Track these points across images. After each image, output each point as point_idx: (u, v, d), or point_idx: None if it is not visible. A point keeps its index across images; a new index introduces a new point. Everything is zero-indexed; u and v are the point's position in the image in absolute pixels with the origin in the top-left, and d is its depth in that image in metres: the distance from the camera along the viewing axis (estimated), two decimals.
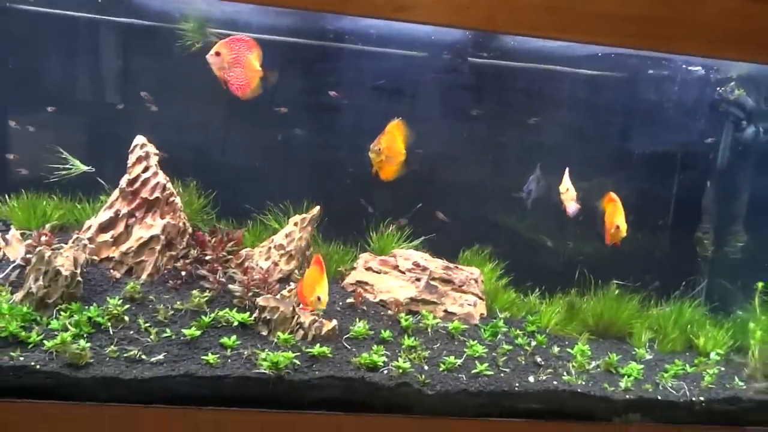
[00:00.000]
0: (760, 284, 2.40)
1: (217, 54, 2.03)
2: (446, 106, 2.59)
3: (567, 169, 2.34)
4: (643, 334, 2.49)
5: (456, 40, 2.48)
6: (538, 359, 2.24)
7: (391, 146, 2.14)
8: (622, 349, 2.44)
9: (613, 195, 2.25)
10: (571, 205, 2.31)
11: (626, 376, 2.21)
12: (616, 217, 2.21)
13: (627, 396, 2.14)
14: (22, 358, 1.84)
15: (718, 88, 2.56)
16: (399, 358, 2.07)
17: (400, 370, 2.03)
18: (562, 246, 2.80)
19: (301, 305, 2.12)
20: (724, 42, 1.91)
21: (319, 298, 1.95)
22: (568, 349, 2.33)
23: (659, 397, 2.16)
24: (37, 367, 1.84)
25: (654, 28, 1.95)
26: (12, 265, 2.09)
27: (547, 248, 2.80)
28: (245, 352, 2.01)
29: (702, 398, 2.18)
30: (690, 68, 2.50)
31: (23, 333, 1.90)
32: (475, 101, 2.58)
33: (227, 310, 2.14)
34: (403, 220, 2.49)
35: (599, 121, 2.67)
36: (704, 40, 1.92)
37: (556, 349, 2.31)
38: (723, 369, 2.37)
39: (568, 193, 2.30)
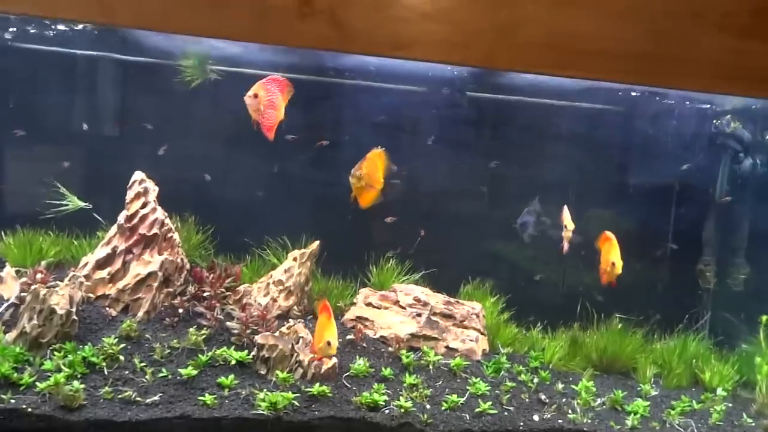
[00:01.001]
0: (764, 318, 2.38)
1: (255, 96, 2.04)
2: (445, 140, 2.59)
3: (566, 207, 2.33)
4: (648, 369, 2.45)
5: (453, 76, 2.51)
6: (542, 396, 2.20)
7: (371, 173, 2.12)
8: (626, 385, 2.40)
9: (608, 234, 2.24)
10: (566, 245, 2.30)
11: (632, 414, 2.17)
12: (611, 254, 2.20)
13: None
14: (13, 401, 1.79)
15: (714, 121, 2.59)
16: (400, 397, 2.03)
17: (402, 410, 1.98)
18: (563, 280, 2.78)
19: (312, 356, 2.07)
20: (719, 78, 1.93)
21: (329, 343, 1.91)
22: (573, 386, 2.29)
23: None
24: (29, 409, 1.78)
25: (651, 64, 1.97)
26: (6, 304, 2.05)
27: (549, 282, 2.78)
28: (243, 392, 1.96)
29: None
30: (686, 102, 2.53)
31: (15, 374, 1.85)
32: (475, 135, 2.59)
33: (225, 348, 2.10)
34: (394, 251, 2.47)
35: (598, 155, 2.67)
36: (700, 75, 1.94)
37: (560, 386, 2.27)
38: (730, 405, 2.33)
39: (566, 231, 2.30)
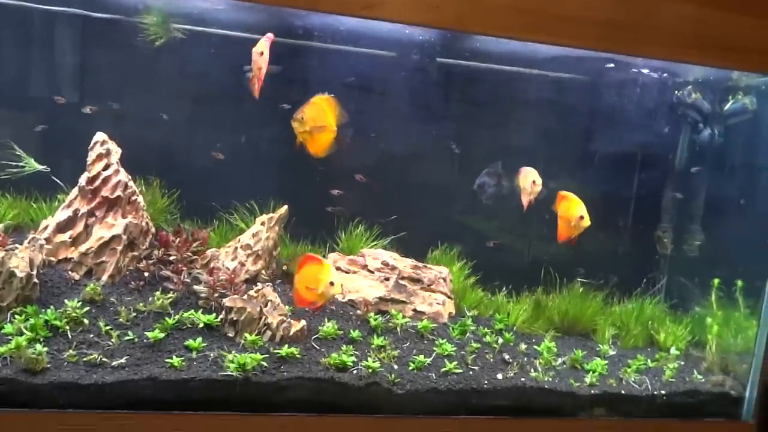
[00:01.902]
0: (716, 281, 2.49)
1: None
2: (414, 106, 2.59)
3: (524, 168, 2.37)
4: (607, 330, 2.55)
5: (424, 40, 2.49)
6: (506, 357, 2.27)
7: (317, 117, 2.06)
8: (586, 346, 2.49)
9: (564, 192, 2.29)
10: (527, 201, 2.35)
11: (591, 372, 2.26)
12: (577, 209, 2.25)
13: (592, 391, 2.19)
14: None
15: (675, 92, 2.65)
16: (368, 358, 2.06)
17: (370, 370, 2.02)
18: (528, 245, 2.84)
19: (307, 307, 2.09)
20: (680, 46, 1.98)
21: (332, 283, 1.92)
22: (535, 347, 2.37)
23: (623, 392, 2.21)
24: None
25: (616, 31, 2.00)
26: None
27: (514, 247, 2.84)
28: (211, 354, 1.97)
29: (663, 392, 2.25)
30: (649, 72, 2.58)
31: None
32: (443, 101, 2.60)
33: (192, 311, 2.09)
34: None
35: (563, 123, 2.72)
36: (662, 44, 1.99)
37: (523, 347, 2.34)
38: (683, 363, 2.45)
39: (532, 190, 2.34)
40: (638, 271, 2.80)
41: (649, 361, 2.41)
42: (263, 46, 2.03)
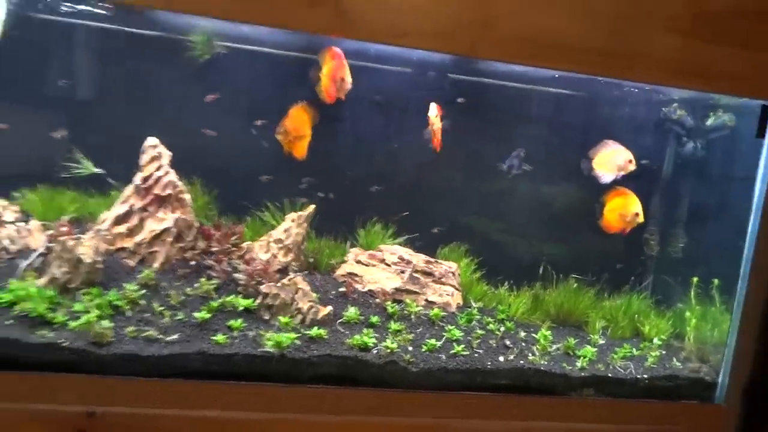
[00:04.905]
0: (695, 279, 2.78)
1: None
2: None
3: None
4: (597, 322, 2.83)
5: (436, 61, 2.80)
6: (507, 342, 2.55)
7: (297, 126, 2.47)
8: (579, 336, 2.77)
9: (620, 188, 2.58)
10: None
11: (582, 357, 2.54)
12: (633, 206, 2.53)
13: (582, 374, 2.47)
14: (50, 336, 2.05)
15: (662, 109, 2.94)
16: (387, 340, 2.35)
17: (388, 350, 2.30)
18: (529, 245, 3.14)
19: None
20: (667, 72, 2.27)
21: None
22: (533, 335, 2.65)
23: (610, 375, 2.50)
24: (65, 344, 2.04)
25: (609, 59, 2.29)
26: (36, 253, 2.28)
27: (516, 247, 3.13)
28: (251, 333, 2.25)
29: (646, 376, 2.53)
30: (636, 91, 2.87)
31: (50, 314, 2.11)
32: (455, 115, 2.89)
33: (233, 296, 2.38)
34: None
35: (560, 136, 3.01)
36: (651, 69, 2.28)
37: (522, 334, 2.63)
38: (664, 352, 2.73)
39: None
40: (627, 270, 3.09)
41: (634, 349, 2.69)
42: (435, 110, 2.54)
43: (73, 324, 2.09)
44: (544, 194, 2.94)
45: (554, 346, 2.59)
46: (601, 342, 2.73)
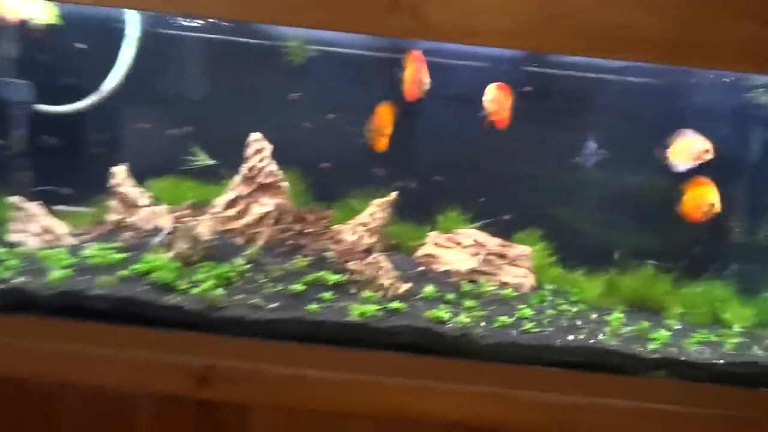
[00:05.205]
0: None
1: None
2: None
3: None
4: (675, 308, 2.85)
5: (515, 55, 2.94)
6: (578, 322, 2.67)
7: (382, 123, 2.70)
8: (654, 320, 2.80)
9: (702, 178, 2.63)
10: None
11: (654, 340, 2.60)
12: (709, 196, 2.60)
13: (654, 355, 2.53)
14: (177, 300, 2.47)
15: (747, 94, 2.88)
16: (461, 315, 2.56)
17: (462, 324, 2.52)
18: (605, 232, 3.20)
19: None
20: (737, 59, 2.28)
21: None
22: (605, 317, 2.74)
23: (683, 358, 2.53)
24: (188, 307, 2.46)
25: (683, 48, 2.33)
26: (164, 232, 2.73)
27: (592, 234, 3.20)
28: (338, 305, 2.56)
29: (722, 361, 2.53)
30: (722, 78, 2.83)
31: (176, 282, 2.53)
32: (527, 104, 3.02)
33: (323, 272, 2.70)
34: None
35: (637, 125, 3.04)
36: (725, 58, 2.29)
37: (594, 316, 2.73)
38: (745, 340, 2.70)
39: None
40: (710, 257, 3.06)
41: (712, 335, 2.69)
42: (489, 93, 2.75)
43: (193, 291, 2.50)
44: (621, 183, 2.99)
45: (626, 329, 2.66)
46: (678, 327, 2.76)
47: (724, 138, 2.92)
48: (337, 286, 2.67)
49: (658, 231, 3.02)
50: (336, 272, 2.71)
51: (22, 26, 2.80)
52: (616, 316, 2.72)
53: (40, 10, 2.76)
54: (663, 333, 2.65)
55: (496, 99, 2.64)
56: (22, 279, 2.50)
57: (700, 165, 2.66)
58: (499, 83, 2.66)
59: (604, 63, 2.88)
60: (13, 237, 2.77)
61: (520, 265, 2.89)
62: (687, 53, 2.32)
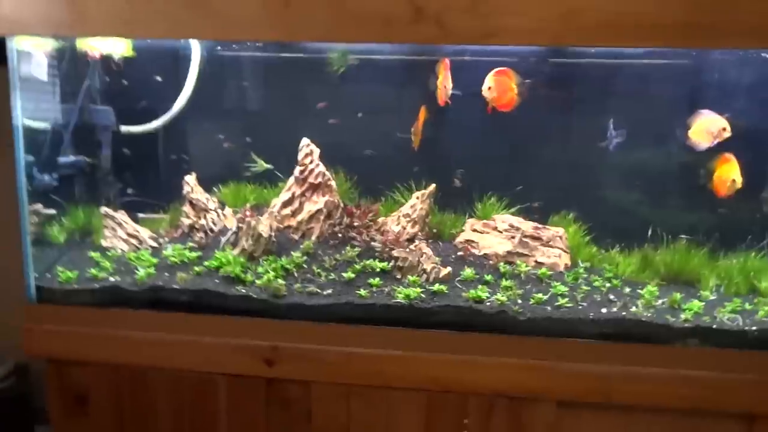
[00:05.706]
0: None
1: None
2: (532, 98, 3.17)
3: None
4: (709, 279, 2.94)
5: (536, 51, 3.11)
6: (612, 297, 2.82)
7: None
8: (688, 292, 2.91)
9: (727, 155, 2.75)
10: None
11: (687, 310, 2.72)
12: (731, 172, 2.72)
13: (686, 325, 2.66)
14: (243, 290, 2.82)
15: None
16: (498, 294, 2.78)
17: (499, 302, 2.73)
18: (637, 210, 3.31)
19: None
20: (755, 36, 2.37)
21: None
22: (639, 290, 2.88)
23: (715, 326, 2.64)
24: (254, 296, 2.80)
25: (697, 30, 2.44)
26: (231, 231, 3.09)
27: (626, 211, 3.32)
28: (386, 289, 2.83)
29: (755, 328, 2.63)
30: (750, 53, 2.87)
31: (243, 275, 2.88)
32: (552, 92, 3.18)
33: (371, 260, 2.98)
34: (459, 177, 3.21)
35: (660, 106, 3.13)
36: (740, 35, 2.39)
37: (627, 290, 2.87)
38: None
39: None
40: (745, 229, 3.11)
41: (746, 304, 2.78)
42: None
43: (258, 282, 2.84)
44: (648, 162, 3.10)
45: (659, 301, 2.79)
46: (712, 298, 2.85)
47: (754, 112, 2.97)
48: (383, 273, 2.94)
49: (690, 207, 3.11)
50: (382, 260, 2.98)
51: (104, 60, 3.24)
52: (650, 288, 2.85)
53: (118, 45, 3.20)
54: (696, 303, 2.76)
55: (494, 86, 2.80)
56: (115, 278, 2.93)
57: (719, 143, 2.74)
58: (498, 69, 2.81)
59: (624, 49, 3.00)
60: (105, 242, 3.22)
61: (554, 246, 3.07)
62: (702, 35, 2.42)
